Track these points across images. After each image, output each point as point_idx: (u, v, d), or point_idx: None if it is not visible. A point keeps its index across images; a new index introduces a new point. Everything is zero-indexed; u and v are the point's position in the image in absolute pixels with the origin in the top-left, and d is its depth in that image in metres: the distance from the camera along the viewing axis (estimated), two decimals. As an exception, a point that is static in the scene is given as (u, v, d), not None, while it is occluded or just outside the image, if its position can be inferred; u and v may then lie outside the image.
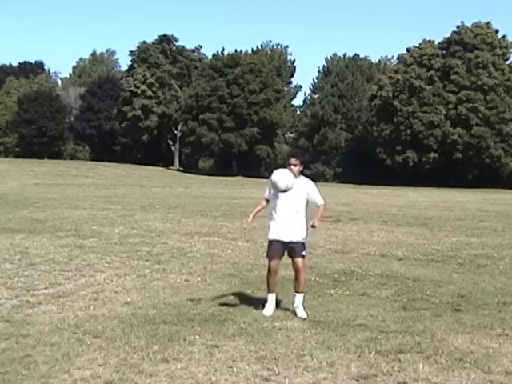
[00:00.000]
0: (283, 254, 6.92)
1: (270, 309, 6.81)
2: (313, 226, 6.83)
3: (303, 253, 6.87)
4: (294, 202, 6.81)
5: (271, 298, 6.89)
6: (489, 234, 15.21)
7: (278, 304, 7.12)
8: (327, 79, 76.20)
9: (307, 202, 6.93)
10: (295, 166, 6.85)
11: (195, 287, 8.06)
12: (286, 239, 6.80)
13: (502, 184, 56.88)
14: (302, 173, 6.99)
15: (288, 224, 6.78)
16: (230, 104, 68.28)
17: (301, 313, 6.75)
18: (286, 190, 6.69)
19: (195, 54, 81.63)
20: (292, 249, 6.84)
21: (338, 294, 7.84)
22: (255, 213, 7.04)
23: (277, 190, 6.77)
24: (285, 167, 6.88)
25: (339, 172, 70.24)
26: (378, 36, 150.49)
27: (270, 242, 6.89)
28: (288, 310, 6.90)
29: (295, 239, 6.80)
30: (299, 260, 6.85)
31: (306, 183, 6.96)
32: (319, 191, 7.03)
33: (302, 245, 6.86)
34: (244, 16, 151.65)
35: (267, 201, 7.05)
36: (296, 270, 6.90)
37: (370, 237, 14.17)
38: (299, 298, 6.87)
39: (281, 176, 6.71)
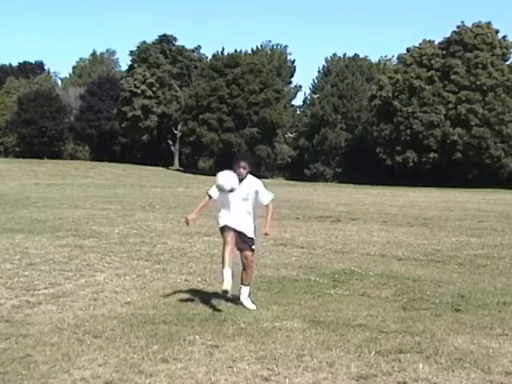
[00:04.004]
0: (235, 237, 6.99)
1: (227, 283, 6.72)
2: (266, 234, 7.24)
3: (253, 247, 7.10)
4: (242, 203, 7.00)
5: (227, 275, 6.76)
6: (489, 234, 15.20)
7: (277, 303, 7.13)
8: (327, 79, 76.20)
9: (255, 201, 7.11)
10: (244, 168, 7.00)
11: (195, 287, 8.06)
12: (239, 229, 6.95)
13: (502, 184, 56.82)
14: (250, 173, 7.13)
15: (239, 219, 6.97)
16: (229, 104, 68.29)
17: (249, 305, 6.94)
18: (231, 191, 6.88)
19: (195, 54, 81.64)
20: (242, 241, 7.01)
21: (337, 294, 7.83)
22: (199, 210, 7.13)
23: (223, 192, 6.94)
24: (233, 169, 7.01)
25: (339, 172, 70.21)
26: (378, 36, 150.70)
27: (222, 227, 6.97)
28: (287, 309, 6.91)
29: (246, 232, 7.00)
30: (249, 254, 7.10)
31: (253, 183, 7.10)
32: (267, 189, 7.22)
33: (252, 240, 7.08)
34: (244, 16, 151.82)
35: (210, 197, 7.10)
36: (245, 263, 7.09)
37: (370, 237, 14.17)
38: (246, 290, 7.08)
39: (226, 178, 6.91)
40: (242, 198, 6.99)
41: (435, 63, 62.76)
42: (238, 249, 7.11)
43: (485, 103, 60.50)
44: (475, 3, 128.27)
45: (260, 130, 69.06)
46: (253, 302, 7.02)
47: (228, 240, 6.91)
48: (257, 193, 7.08)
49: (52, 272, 8.86)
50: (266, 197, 7.16)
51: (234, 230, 6.95)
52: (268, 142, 71.05)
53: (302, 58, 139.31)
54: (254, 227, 7.15)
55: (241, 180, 7.02)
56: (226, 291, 6.73)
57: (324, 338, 5.83)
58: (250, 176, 7.11)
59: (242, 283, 7.12)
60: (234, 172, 7.01)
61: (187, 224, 7.24)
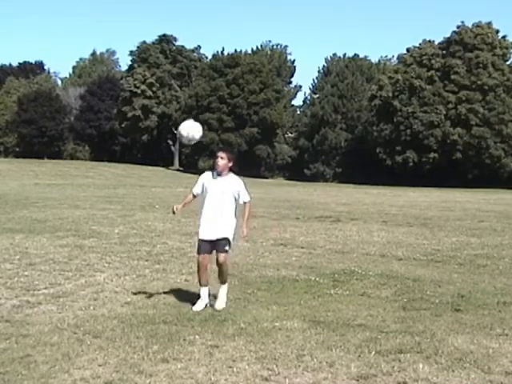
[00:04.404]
0: (212, 250, 7.05)
1: (200, 304, 6.91)
2: (244, 237, 7.14)
3: (226, 247, 6.99)
4: (220, 200, 6.95)
5: (203, 293, 7.01)
6: (489, 234, 15.20)
7: (277, 303, 7.14)
8: (327, 79, 76.19)
9: (235, 199, 7.05)
10: (222, 158, 6.96)
11: (195, 287, 8.05)
12: (213, 237, 6.94)
13: (502, 184, 56.79)
14: (231, 170, 7.09)
15: (213, 223, 6.93)
16: (230, 104, 68.27)
17: (219, 304, 6.95)
18: (189, 140, 7.06)
19: (195, 54, 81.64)
20: (216, 245, 6.99)
21: (337, 294, 7.84)
22: (184, 204, 7.23)
23: (186, 142, 7.12)
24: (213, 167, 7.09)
25: (339, 172, 70.19)
26: (378, 36, 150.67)
27: (199, 240, 7.08)
28: (287, 309, 6.91)
29: (219, 236, 6.92)
30: (221, 255, 7.01)
31: (232, 180, 7.03)
32: (247, 189, 7.11)
33: (227, 241, 6.96)
34: (244, 16, 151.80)
35: (194, 196, 7.18)
36: (218, 264, 7.06)
37: (370, 237, 14.17)
38: (222, 288, 7.09)
39: (191, 126, 7.06)
40: (221, 193, 6.93)
41: (435, 63, 62.74)
42: (215, 251, 7.10)
43: (485, 103, 60.49)
44: (475, 3, 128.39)
45: (260, 129, 69.03)
46: (225, 303, 6.97)
47: (200, 261, 7.01)
48: (238, 191, 7.00)
49: (52, 272, 8.86)
50: (244, 195, 7.05)
51: (209, 242, 6.95)
52: (268, 142, 71.03)
53: (302, 58, 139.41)
54: (235, 227, 7.05)
55: (219, 175, 6.99)
56: (196, 311, 6.77)
57: (324, 337, 5.83)
58: (231, 174, 7.07)
59: (220, 282, 7.15)
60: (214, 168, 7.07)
61: (173, 213, 7.27)
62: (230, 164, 7.02)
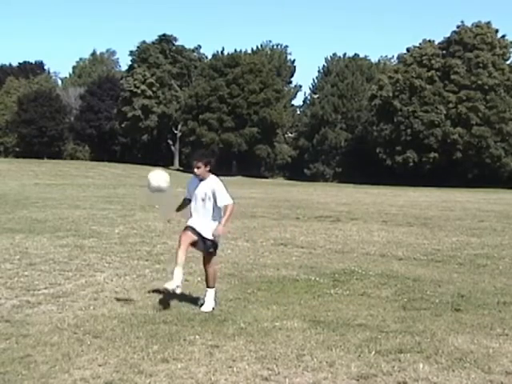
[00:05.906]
0: (196, 237, 6.92)
1: (170, 284, 6.76)
2: (213, 235, 6.92)
3: (210, 249, 7.01)
4: (201, 205, 6.96)
5: (176, 272, 6.80)
6: (489, 234, 15.20)
7: (277, 303, 7.14)
8: (327, 79, 76.23)
9: (215, 202, 6.98)
10: (198, 168, 6.95)
11: (195, 287, 8.06)
12: (199, 230, 6.91)
13: (502, 184, 56.79)
14: (211, 172, 7.06)
15: (199, 220, 6.96)
16: (229, 104, 68.31)
17: (206, 307, 6.90)
18: (158, 190, 7.07)
19: (195, 54, 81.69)
20: (201, 242, 6.95)
21: (337, 293, 7.84)
22: (178, 207, 7.29)
23: (151, 190, 7.12)
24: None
25: (339, 172, 70.20)
26: (378, 36, 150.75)
27: (185, 227, 7.02)
28: (287, 309, 6.91)
29: (203, 233, 6.91)
30: (207, 257, 7.07)
31: (210, 184, 6.98)
32: (226, 190, 6.99)
33: (211, 242, 6.96)
34: (244, 16, 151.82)
35: (189, 200, 7.16)
36: (204, 265, 7.11)
37: (370, 237, 14.17)
38: (209, 292, 7.04)
39: (155, 176, 7.10)
40: (200, 198, 6.95)
41: (435, 63, 62.76)
42: (200, 250, 7.11)
43: (486, 102, 60.49)
44: (475, 3, 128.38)
45: (260, 129, 69.07)
46: (212, 306, 6.89)
47: (182, 236, 6.92)
48: (214, 194, 6.90)
49: (52, 272, 8.86)
50: (221, 199, 6.90)
51: (194, 230, 6.91)
52: (268, 141, 71.06)
53: (302, 58, 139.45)
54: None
55: (201, 179, 6.99)
56: (166, 289, 6.78)
57: (324, 337, 5.83)
58: (211, 176, 7.02)
59: (206, 286, 7.12)
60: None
61: (168, 221, 7.37)
62: (208, 168, 6.98)
